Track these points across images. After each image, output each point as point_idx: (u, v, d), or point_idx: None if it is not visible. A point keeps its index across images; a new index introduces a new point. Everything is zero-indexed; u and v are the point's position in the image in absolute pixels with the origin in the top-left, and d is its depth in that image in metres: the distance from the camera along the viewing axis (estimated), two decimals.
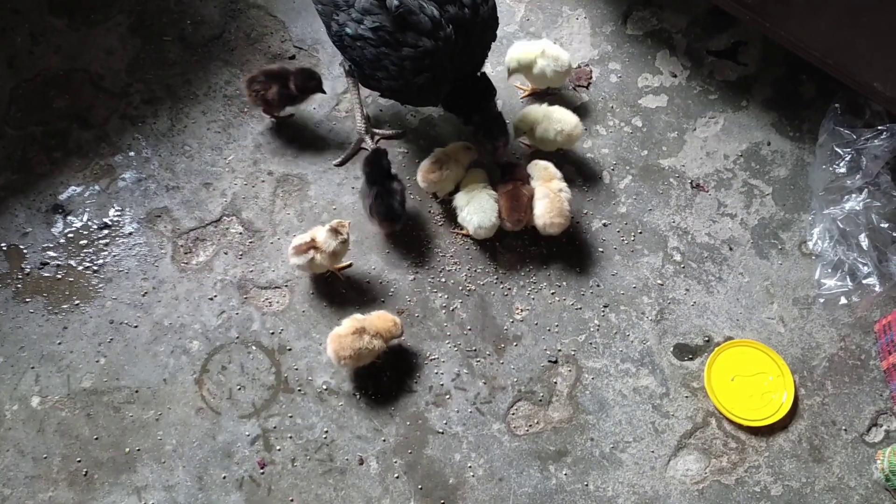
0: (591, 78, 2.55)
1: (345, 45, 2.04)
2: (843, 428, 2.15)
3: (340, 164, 2.40)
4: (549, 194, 2.22)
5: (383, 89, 2.10)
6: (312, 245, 2.12)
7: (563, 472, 2.09)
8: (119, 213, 2.33)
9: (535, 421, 2.14)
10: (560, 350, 2.21)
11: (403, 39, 1.94)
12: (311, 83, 2.31)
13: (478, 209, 2.20)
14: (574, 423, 2.14)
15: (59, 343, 2.18)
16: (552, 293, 2.27)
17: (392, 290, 2.26)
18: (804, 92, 2.55)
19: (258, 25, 2.58)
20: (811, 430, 2.15)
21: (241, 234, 2.32)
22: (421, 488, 2.06)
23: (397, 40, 1.94)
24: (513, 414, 2.15)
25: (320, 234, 2.15)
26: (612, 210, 2.38)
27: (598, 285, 2.29)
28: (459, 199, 2.26)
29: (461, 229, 2.30)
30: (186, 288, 2.25)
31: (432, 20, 1.93)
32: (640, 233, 2.36)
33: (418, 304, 2.25)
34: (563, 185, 2.25)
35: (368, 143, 2.38)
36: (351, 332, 2.03)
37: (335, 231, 2.14)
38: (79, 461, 2.06)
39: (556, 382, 2.18)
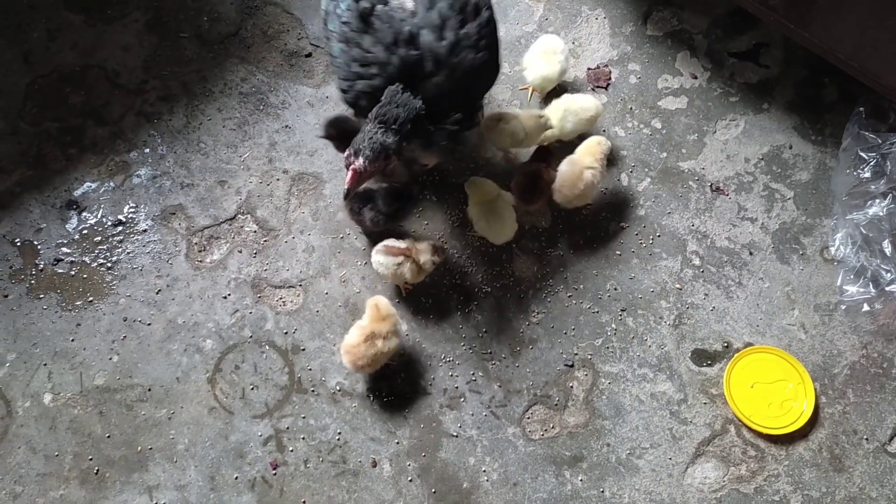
0: (609, 79, 2.52)
1: (326, 37, 1.99)
2: (865, 437, 2.11)
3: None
4: (573, 165, 2.19)
5: (340, 89, 2.00)
6: (407, 253, 2.07)
7: (579, 478, 2.06)
8: (133, 210, 2.32)
9: (551, 425, 2.11)
10: (576, 354, 2.18)
11: (359, 42, 1.86)
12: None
13: (494, 220, 2.16)
14: (590, 429, 2.11)
15: (73, 340, 2.17)
16: (569, 296, 2.25)
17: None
18: (826, 95, 2.51)
19: (275, 23, 2.57)
20: (832, 439, 2.11)
21: (255, 232, 2.30)
22: (434, 492, 2.03)
23: (354, 40, 1.87)
24: (528, 418, 2.12)
25: (420, 244, 2.10)
26: (630, 213, 2.35)
27: (615, 289, 2.26)
28: (473, 212, 2.21)
29: (477, 231, 2.27)
30: (200, 286, 2.23)
31: (396, 34, 1.83)
32: (659, 236, 2.33)
33: (433, 305, 2.22)
34: (597, 166, 2.20)
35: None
36: (362, 340, 2.00)
37: (436, 250, 2.11)
38: (90, 459, 2.05)
39: (572, 387, 2.15)
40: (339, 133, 2.15)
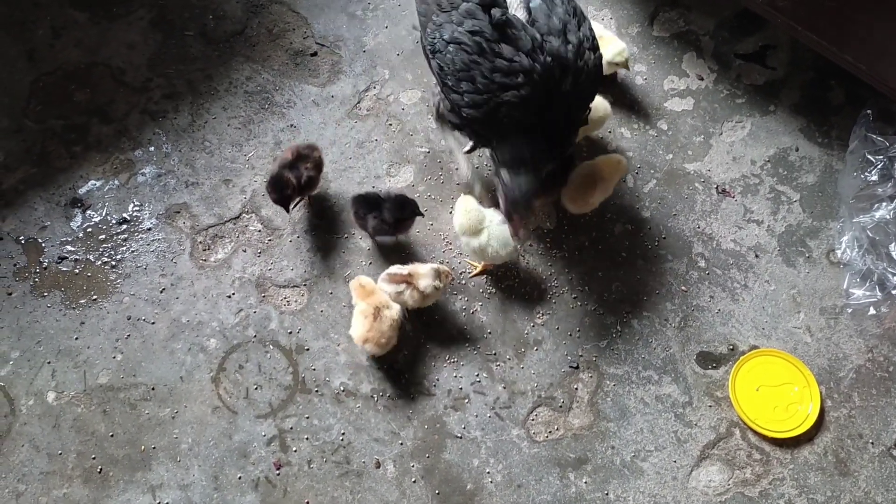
0: (615, 80, 2.51)
1: (435, 51, 1.91)
2: (871, 441, 2.10)
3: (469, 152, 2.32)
4: (587, 176, 2.19)
5: (464, 105, 1.93)
6: (408, 280, 2.06)
7: (583, 480, 2.05)
8: (138, 209, 2.32)
9: (555, 427, 2.11)
10: (581, 356, 2.18)
11: (499, 51, 1.82)
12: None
13: (497, 240, 2.12)
14: (594, 431, 2.10)
15: (76, 338, 2.16)
16: (574, 297, 2.24)
17: None
18: (833, 97, 2.50)
19: (280, 21, 2.56)
20: (837, 443, 2.10)
21: (259, 231, 2.30)
22: (438, 493, 2.03)
23: (493, 50, 1.83)
24: (532, 420, 2.11)
25: (422, 269, 2.08)
26: (635, 214, 2.35)
27: (620, 290, 2.25)
28: (464, 247, 2.16)
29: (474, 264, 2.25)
30: (204, 285, 2.23)
31: (533, 40, 1.82)
32: (664, 238, 2.32)
33: (438, 306, 2.22)
34: (611, 184, 2.22)
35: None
36: (372, 319, 2.02)
37: (438, 274, 2.08)
38: (94, 458, 2.05)
39: (576, 388, 2.15)
40: (294, 191, 2.15)
